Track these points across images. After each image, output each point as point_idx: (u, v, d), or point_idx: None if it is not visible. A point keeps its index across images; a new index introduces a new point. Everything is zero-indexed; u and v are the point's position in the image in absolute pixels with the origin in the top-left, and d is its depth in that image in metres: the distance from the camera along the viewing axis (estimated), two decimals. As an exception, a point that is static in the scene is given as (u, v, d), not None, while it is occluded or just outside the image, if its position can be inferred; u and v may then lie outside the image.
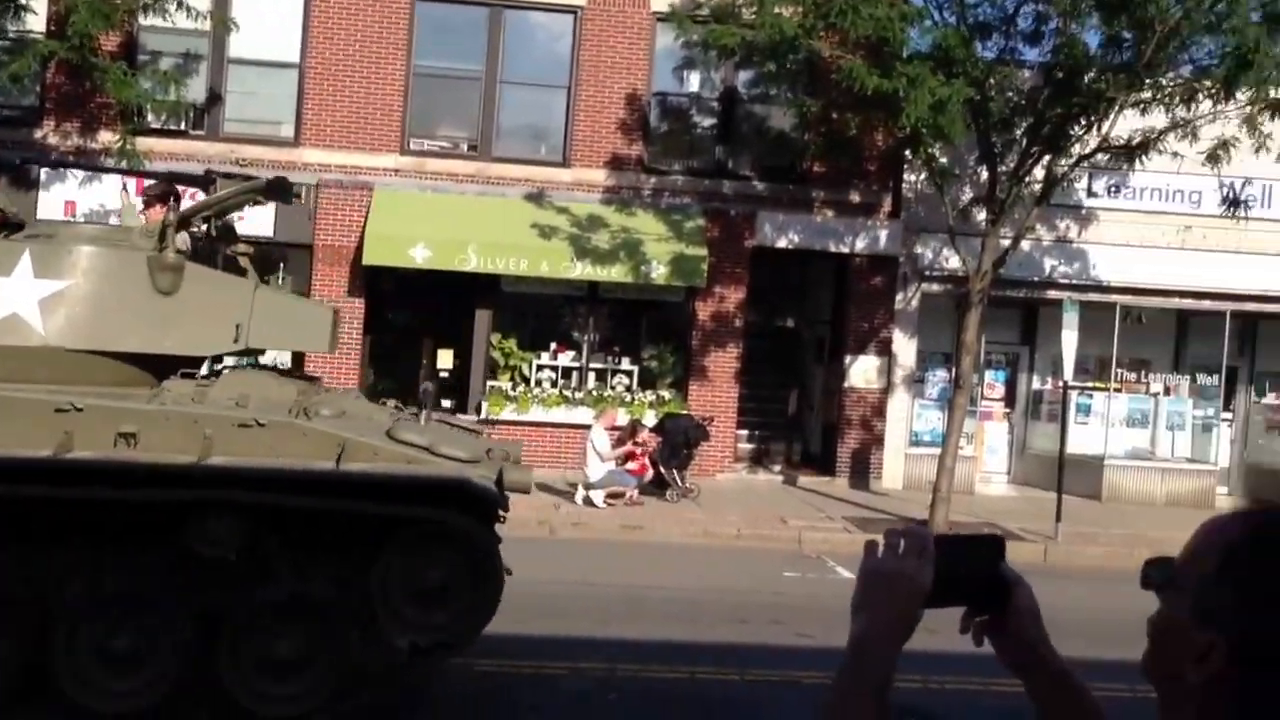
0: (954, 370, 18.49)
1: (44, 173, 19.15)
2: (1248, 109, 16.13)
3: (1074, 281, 20.21)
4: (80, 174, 18.83)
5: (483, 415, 19.68)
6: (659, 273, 19.39)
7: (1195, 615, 1.45)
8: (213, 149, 19.34)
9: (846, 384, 20.81)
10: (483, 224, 19.45)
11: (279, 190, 8.60)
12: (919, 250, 20.45)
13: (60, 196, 19.22)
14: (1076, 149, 16.85)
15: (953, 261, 18.40)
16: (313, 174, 19.81)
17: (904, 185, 20.53)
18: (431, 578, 7.27)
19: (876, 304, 20.77)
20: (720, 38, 16.35)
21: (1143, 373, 21.92)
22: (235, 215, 9.28)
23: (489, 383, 20.16)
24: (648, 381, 20.58)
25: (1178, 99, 16.23)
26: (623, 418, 18.62)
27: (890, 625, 1.62)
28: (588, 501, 16.96)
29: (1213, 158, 16.41)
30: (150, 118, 19.17)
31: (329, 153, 19.98)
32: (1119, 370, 21.42)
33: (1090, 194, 20.63)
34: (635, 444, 17.82)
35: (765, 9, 15.89)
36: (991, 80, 16.31)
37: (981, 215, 17.44)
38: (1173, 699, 1.49)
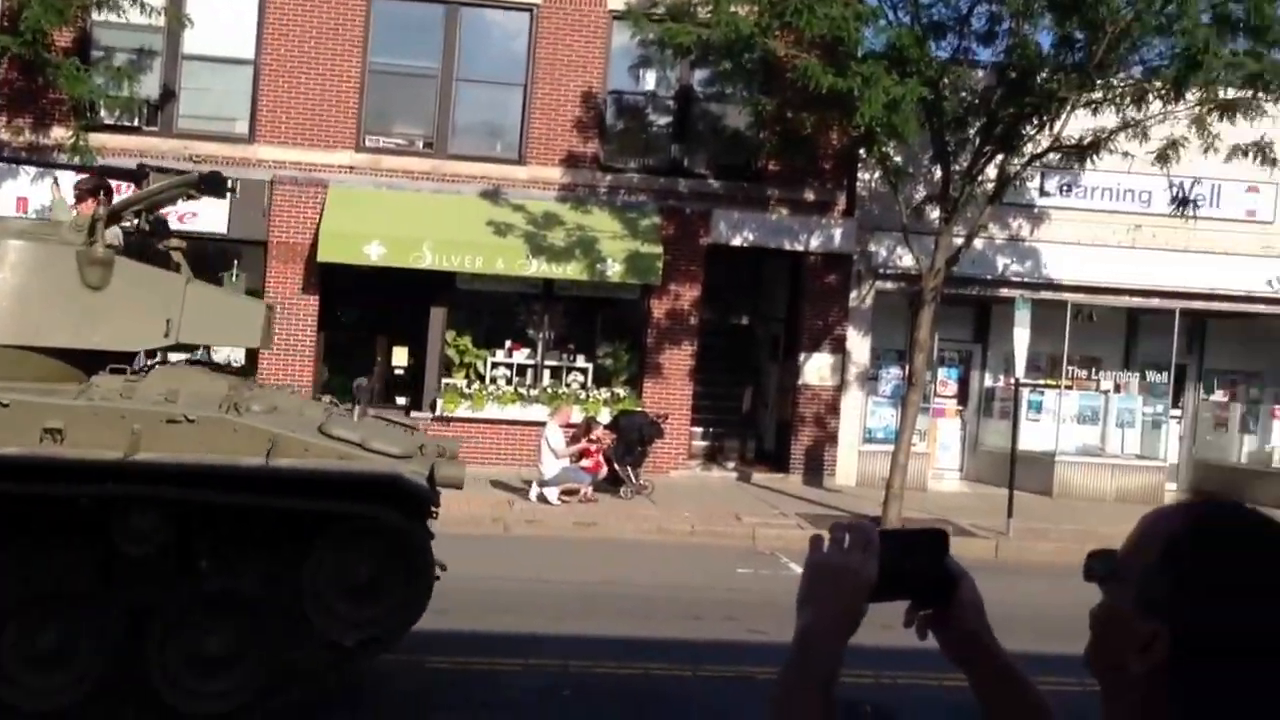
0: (907, 367, 18.64)
1: (-4, 169, 18.91)
2: (1197, 109, 16.35)
3: (1026, 280, 20.38)
4: (33, 170, 18.58)
5: (438, 413, 19.63)
6: (614, 270, 19.39)
7: (1138, 606, 1.46)
8: (166, 145, 19.16)
9: (801, 381, 20.90)
10: (438, 221, 19.38)
11: (213, 184, 8.49)
12: (873, 248, 20.56)
13: (12, 193, 18.96)
14: (1029, 148, 17.01)
15: (906, 260, 18.52)
16: (267, 170, 19.67)
17: (858, 184, 20.63)
18: (362, 574, 7.23)
19: (831, 302, 20.86)
20: (676, 36, 16.38)
21: (1093, 370, 22.15)
22: (169, 209, 9.17)
23: (444, 380, 20.08)
24: (603, 379, 20.57)
25: (1128, 99, 16.44)
26: (577, 415, 18.61)
27: (835, 619, 1.62)
28: (542, 499, 16.94)
29: (1162, 158, 16.64)
30: (103, 114, 18.98)
31: (284, 149, 19.83)
32: (1070, 367, 21.63)
33: (1042, 193, 20.82)
34: (590, 441, 17.83)
35: (721, 8, 15.92)
36: (945, 80, 16.43)
37: (935, 214, 17.55)
38: (1116, 690, 1.50)
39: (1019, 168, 17.33)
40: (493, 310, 20.79)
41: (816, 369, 20.89)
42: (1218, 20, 15.35)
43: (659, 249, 19.67)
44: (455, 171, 20.10)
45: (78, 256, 7.59)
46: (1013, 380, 18.18)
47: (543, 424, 17.96)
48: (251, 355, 19.34)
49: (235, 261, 19.31)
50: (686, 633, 10.35)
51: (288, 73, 19.90)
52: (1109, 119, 16.70)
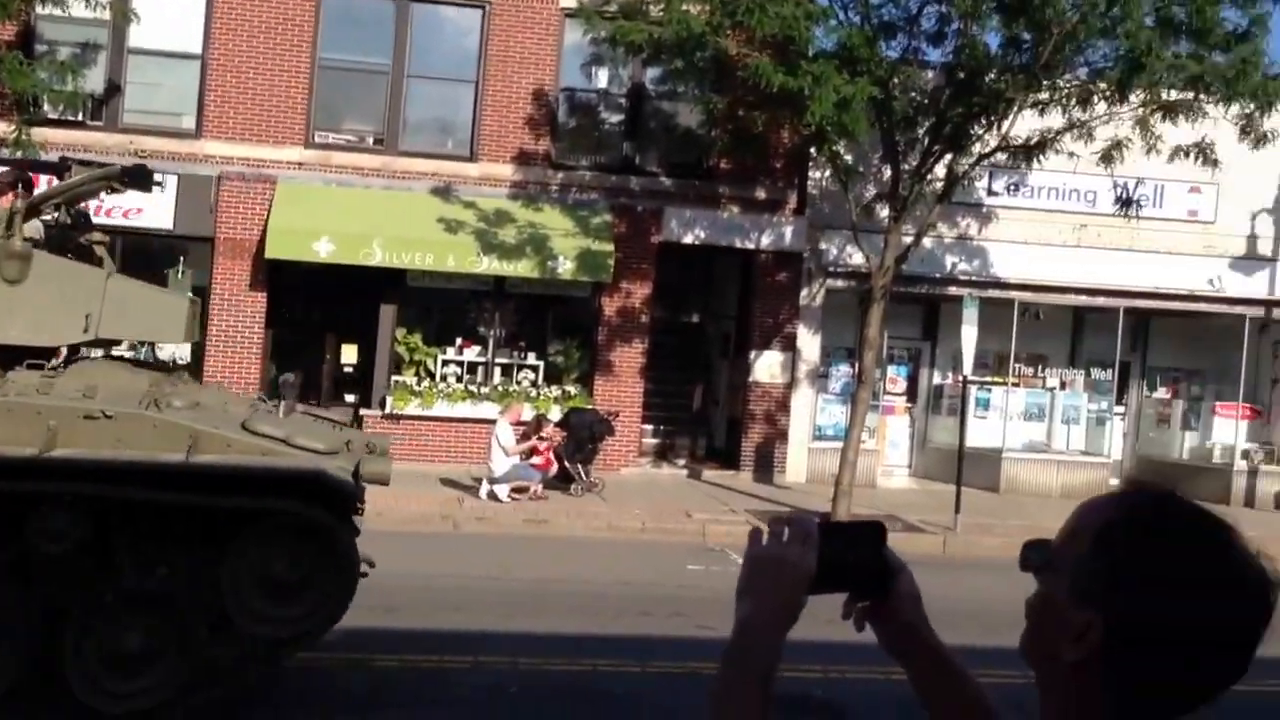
0: (857, 365, 18.75)
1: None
2: (1140, 111, 16.58)
3: (974, 278, 20.56)
4: None
5: (387, 410, 19.53)
6: (566, 268, 19.37)
7: (1072, 595, 1.47)
8: (111, 140, 18.95)
9: (751, 379, 20.97)
10: (388, 218, 19.27)
11: (138, 177, 8.38)
12: (823, 246, 20.66)
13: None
14: (977, 148, 17.16)
15: (856, 258, 18.64)
16: (215, 167, 19.49)
17: (809, 182, 20.72)
18: (284, 570, 7.15)
19: (781, 299, 20.95)
20: (628, 34, 16.39)
21: (1039, 368, 22.39)
22: (91, 202, 9.05)
23: (394, 378, 19.98)
24: (553, 376, 20.54)
25: (1074, 100, 16.66)
26: (528, 412, 18.57)
27: (775, 612, 1.62)
28: (492, 496, 16.90)
29: (1106, 158, 16.88)
30: (47, 108, 18.70)
31: (231, 145, 19.64)
32: (1017, 365, 21.84)
33: (990, 193, 21.00)
34: (540, 439, 17.80)
35: (673, 6, 15.96)
36: (895, 79, 16.55)
37: (884, 212, 17.67)
38: (1051, 679, 1.52)
39: (967, 167, 17.48)
40: (443, 307, 20.71)
41: (767, 366, 20.97)
42: (1161, 23, 15.58)
43: (610, 246, 19.67)
44: (406, 168, 20.00)
45: None
46: (961, 378, 18.33)
47: (493, 421, 17.91)
48: (198, 352, 19.18)
49: (181, 258, 19.17)
50: (636, 629, 10.37)
51: (236, 67, 19.71)
52: (1055, 119, 16.91)
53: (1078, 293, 21.08)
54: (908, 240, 17.19)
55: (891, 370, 22.17)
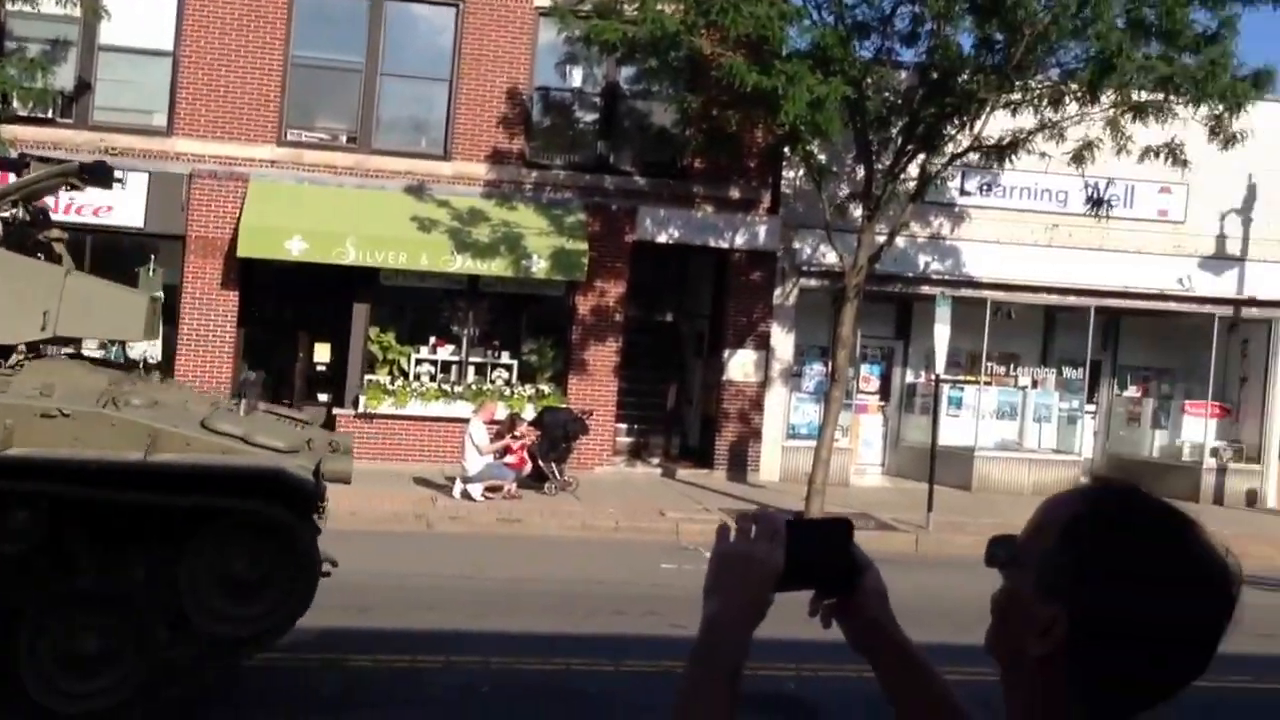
0: (830, 364, 18.81)
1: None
2: (1111, 111, 16.69)
3: (946, 277, 20.64)
4: None
5: (360, 409, 19.47)
6: (539, 267, 19.35)
7: (1038, 590, 1.48)
8: (81, 138, 18.82)
9: (725, 378, 20.99)
10: (361, 216, 19.20)
11: (97, 173, 8.31)
12: (797, 246, 20.71)
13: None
14: (949, 148, 17.24)
15: (830, 257, 18.69)
16: (186, 164, 19.37)
17: (783, 182, 20.76)
18: (243, 570, 7.10)
19: (755, 299, 20.98)
20: (602, 33, 16.39)
21: (1011, 366, 22.50)
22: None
23: (367, 377, 19.91)
24: (527, 375, 20.52)
25: (1045, 101, 16.76)
26: (502, 411, 18.54)
27: (742, 608, 1.62)
28: (465, 495, 16.87)
29: (1078, 158, 16.98)
30: (17, 106, 18.54)
31: (203, 143, 19.53)
32: (989, 364, 21.94)
33: (963, 192, 21.09)
34: (514, 437, 17.77)
35: (647, 5, 15.97)
36: (868, 79, 16.61)
37: (858, 212, 17.73)
38: (1016, 675, 1.52)
39: (940, 167, 17.55)
40: (417, 306, 20.65)
41: (741, 365, 21.00)
42: (1131, 25, 15.71)
43: (584, 245, 19.66)
44: (379, 167, 19.93)
45: None
46: (933, 376, 18.41)
47: (467, 421, 17.87)
48: (169, 351, 19.08)
49: (152, 256, 19.05)
50: (609, 628, 10.37)
51: (208, 65, 19.60)
52: (1027, 120, 17.01)
53: (1049, 292, 21.20)
54: (881, 239, 17.26)
55: (865, 369, 22.24)
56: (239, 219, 18.95)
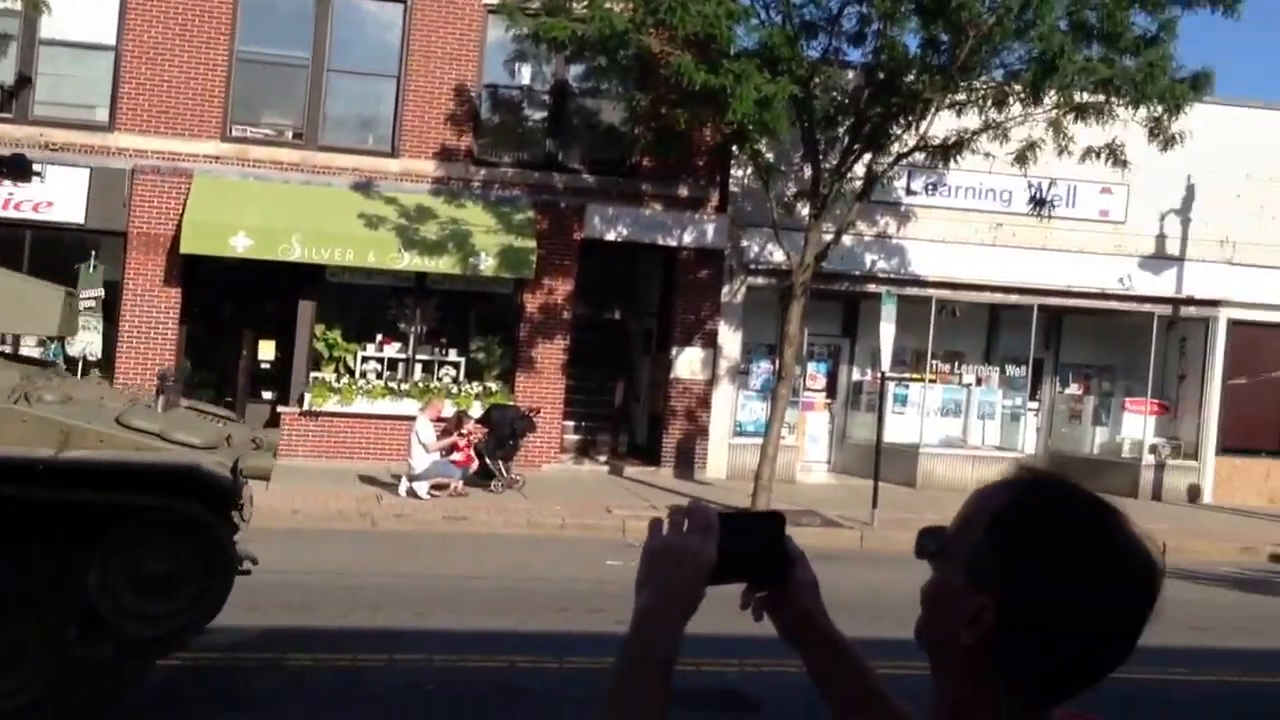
0: (777, 362, 18.89)
1: None
2: (1053, 112, 16.89)
3: (892, 276, 20.79)
4: None
5: (306, 407, 19.33)
6: (488, 264, 19.29)
7: (967, 580, 1.50)
8: (21, 133, 18.54)
9: (672, 375, 21.04)
10: (307, 213, 19.06)
11: (15, 166, 8.21)
12: (744, 244, 20.79)
13: None
14: (896, 147, 17.39)
15: (777, 255, 18.78)
16: (128, 159, 19.15)
17: (731, 180, 20.84)
18: (157, 567, 6.97)
19: (703, 296, 21.04)
20: (551, 31, 16.37)
21: (956, 364, 22.72)
22: None
23: (313, 374, 19.76)
24: (475, 373, 20.46)
25: (989, 101, 16.94)
26: (449, 409, 18.47)
27: (674, 601, 1.62)
28: (411, 493, 16.79)
29: (1021, 159, 17.18)
30: (-46, 99, 18.30)
31: (146, 138, 19.30)
32: (934, 362, 22.14)
33: (908, 192, 21.26)
34: (460, 435, 17.71)
35: (596, 4, 15.98)
36: (816, 79, 16.71)
37: (805, 210, 17.83)
38: (946, 664, 1.54)
39: (886, 166, 17.70)
40: (363, 304, 20.52)
41: (688, 363, 21.05)
42: (1073, 27, 15.91)
43: (533, 243, 19.62)
44: (326, 163, 19.79)
45: None
46: (879, 374, 18.54)
47: (413, 418, 17.79)
48: (109, 348, 18.84)
49: (93, 252, 18.81)
50: (555, 625, 10.37)
51: (151, 59, 19.37)
52: (972, 120, 17.18)
53: (993, 290, 21.42)
54: (828, 238, 17.37)
55: (811, 367, 22.37)
56: (182, 215, 18.75)
